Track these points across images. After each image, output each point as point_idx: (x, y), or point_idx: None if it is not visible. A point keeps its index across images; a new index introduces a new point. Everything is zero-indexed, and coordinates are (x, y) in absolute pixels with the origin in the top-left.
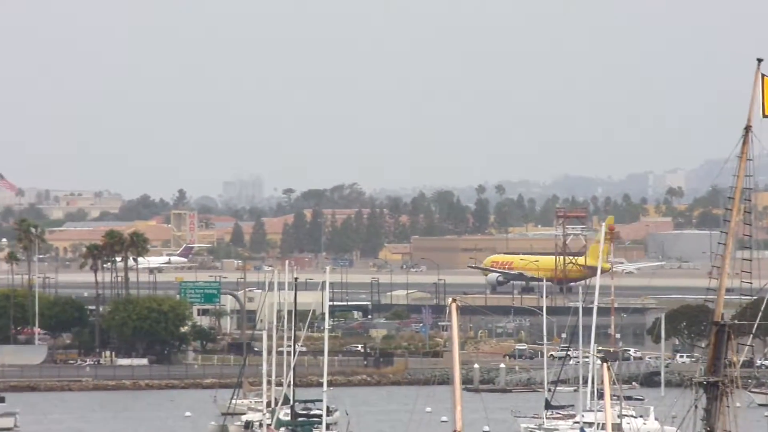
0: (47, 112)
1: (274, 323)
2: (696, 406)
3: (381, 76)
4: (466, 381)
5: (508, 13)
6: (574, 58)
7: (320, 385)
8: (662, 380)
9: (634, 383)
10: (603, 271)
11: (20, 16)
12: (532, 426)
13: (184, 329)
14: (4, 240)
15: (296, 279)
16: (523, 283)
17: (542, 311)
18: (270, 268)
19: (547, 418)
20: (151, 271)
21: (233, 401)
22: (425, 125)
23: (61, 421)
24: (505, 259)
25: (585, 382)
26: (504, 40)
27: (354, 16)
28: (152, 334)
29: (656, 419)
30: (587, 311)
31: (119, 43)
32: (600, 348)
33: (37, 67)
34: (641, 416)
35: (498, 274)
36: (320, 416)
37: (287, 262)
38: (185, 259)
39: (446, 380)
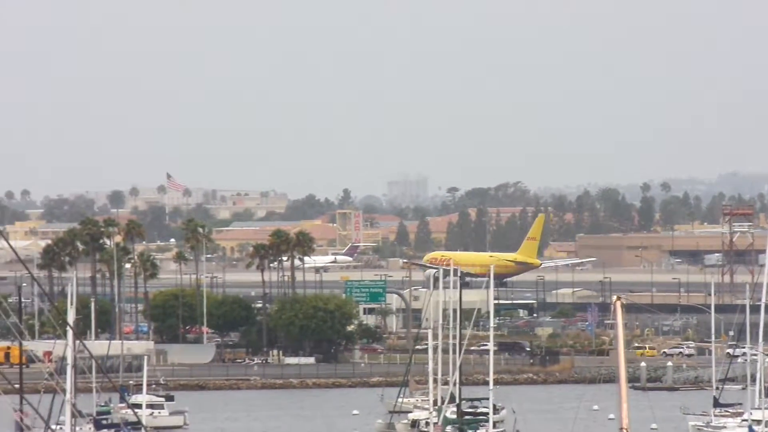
0: (213, 114)
1: (440, 322)
2: None
3: (547, 75)
4: (633, 379)
5: None
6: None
7: (486, 383)
8: None
9: None
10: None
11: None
12: (700, 424)
13: (350, 328)
14: (172, 240)
15: (461, 278)
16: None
17: (710, 309)
18: (435, 267)
19: (715, 416)
20: (317, 270)
21: (400, 399)
22: (591, 124)
23: (231, 420)
24: (443, 256)
25: (753, 380)
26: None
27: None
28: (319, 333)
29: None
30: (755, 308)
31: (285, 43)
32: None
33: (212, 71)
34: None
35: (435, 270)
36: (487, 414)
37: (452, 260)
38: (351, 258)
39: (612, 378)
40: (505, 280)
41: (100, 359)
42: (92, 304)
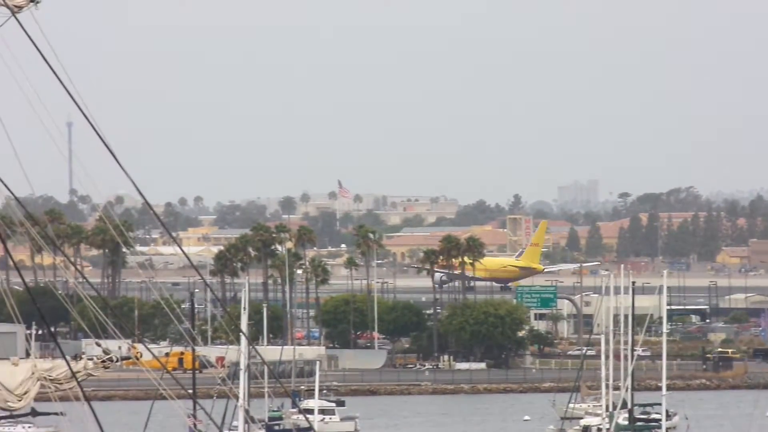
0: (385, 121)
1: (611, 327)
2: None
3: (711, 79)
4: None
5: None
6: None
7: (658, 389)
8: None
9: None
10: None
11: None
12: None
13: (521, 333)
14: (343, 246)
15: (633, 283)
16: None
17: None
18: (606, 273)
19: None
20: None
21: (571, 405)
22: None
23: (402, 425)
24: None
25: None
26: None
27: None
28: (490, 339)
29: None
30: None
31: (470, 54)
32: None
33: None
34: None
35: (442, 274)
36: (659, 420)
37: (623, 266)
38: None
39: None
40: (508, 284)
41: (272, 364)
42: (264, 310)
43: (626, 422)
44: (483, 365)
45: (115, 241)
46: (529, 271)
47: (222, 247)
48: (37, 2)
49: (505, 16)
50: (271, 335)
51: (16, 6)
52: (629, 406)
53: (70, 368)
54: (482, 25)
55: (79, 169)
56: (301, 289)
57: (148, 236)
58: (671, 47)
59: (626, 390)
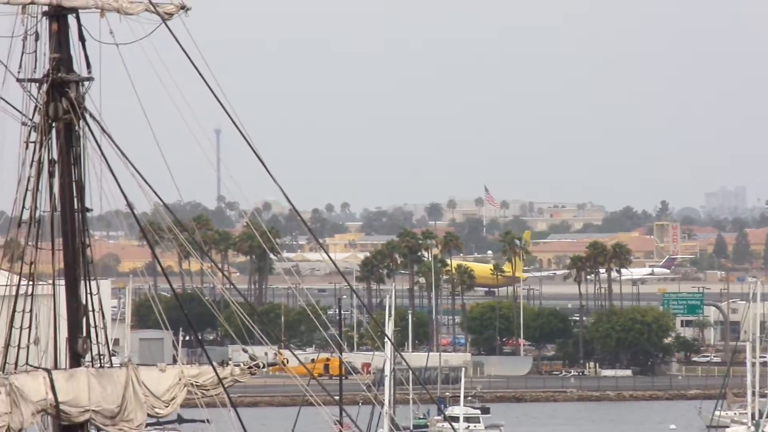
0: (524, 126)
1: (758, 334)
2: None
3: None
4: None
5: None
6: None
7: None
8: None
9: None
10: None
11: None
12: None
13: (667, 340)
14: (489, 252)
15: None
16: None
17: None
18: (754, 279)
19: None
20: (634, 282)
21: (717, 413)
22: None
23: None
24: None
25: None
26: None
27: None
28: (635, 345)
29: None
30: None
31: (592, 53)
32: None
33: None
34: None
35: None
36: None
37: None
38: (668, 271)
39: None
40: (491, 289)
41: (417, 371)
42: (410, 316)
43: None
44: (629, 372)
45: (262, 248)
46: (512, 279)
47: (368, 254)
48: (188, 9)
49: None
50: (416, 341)
51: (166, 13)
52: None
53: (217, 374)
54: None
55: (227, 176)
56: (447, 295)
57: (295, 242)
58: None
59: None
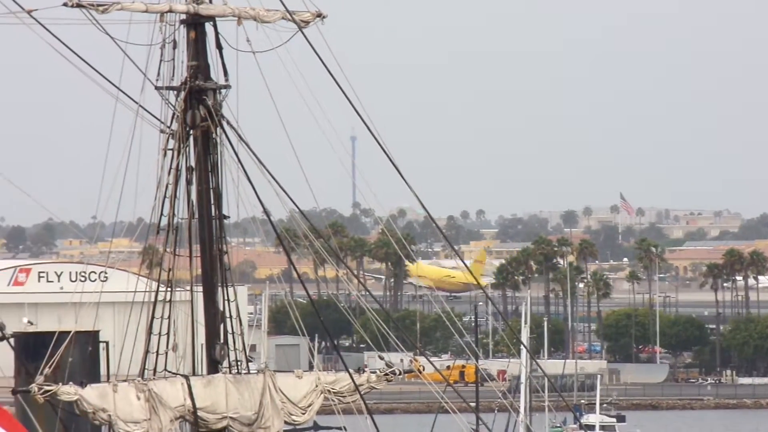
0: (669, 134)
1: None
2: None
3: None
4: None
5: None
6: None
7: None
8: None
9: None
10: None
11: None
12: None
13: None
14: (625, 259)
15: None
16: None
17: None
18: None
19: None
20: None
21: None
22: None
23: None
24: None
25: None
26: None
27: None
28: None
29: None
30: None
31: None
32: None
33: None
34: None
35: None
36: None
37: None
38: None
39: None
40: (453, 295)
41: (553, 378)
42: (545, 323)
43: None
44: (766, 380)
45: (398, 255)
46: (469, 286)
47: (504, 261)
48: (324, 17)
49: None
50: (552, 349)
51: (303, 21)
52: None
53: (354, 381)
54: None
55: (362, 183)
56: (583, 302)
57: (430, 249)
58: None
59: None
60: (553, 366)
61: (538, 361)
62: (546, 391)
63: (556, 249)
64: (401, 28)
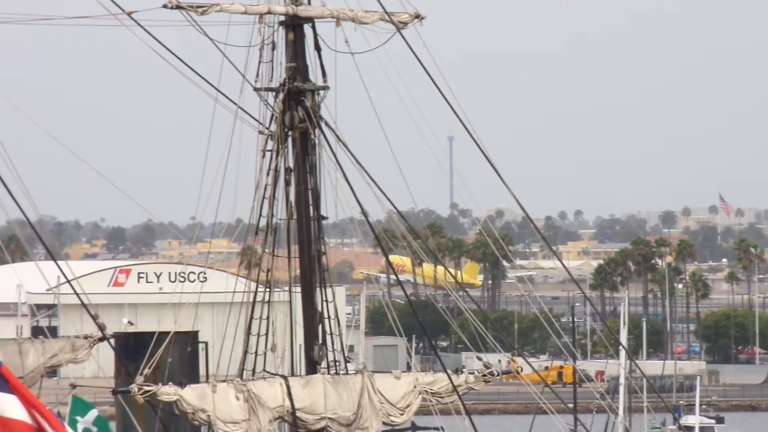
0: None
1: None
2: None
3: None
4: None
5: None
6: None
7: None
8: None
9: None
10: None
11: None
12: None
13: None
14: (724, 260)
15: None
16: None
17: None
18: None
19: None
20: None
21: None
22: None
23: None
24: (399, 262)
25: None
26: None
27: None
28: None
29: None
30: None
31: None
32: None
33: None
34: None
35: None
36: None
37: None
38: None
39: None
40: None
41: (652, 379)
42: (644, 324)
43: None
44: None
45: (495, 255)
46: (466, 285)
47: (602, 261)
48: (422, 18)
49: None
50: (650, 349)
51: (401, 22)
52: None
53: (452, 382)
54: None
55: (459, 183)
56: (681, 303)
57: (527, 250)
58: None
59: None
60: (651, 367)
61: (636, 361)
62: (644, 392)
63: (654, 250)
64: (502, 18)
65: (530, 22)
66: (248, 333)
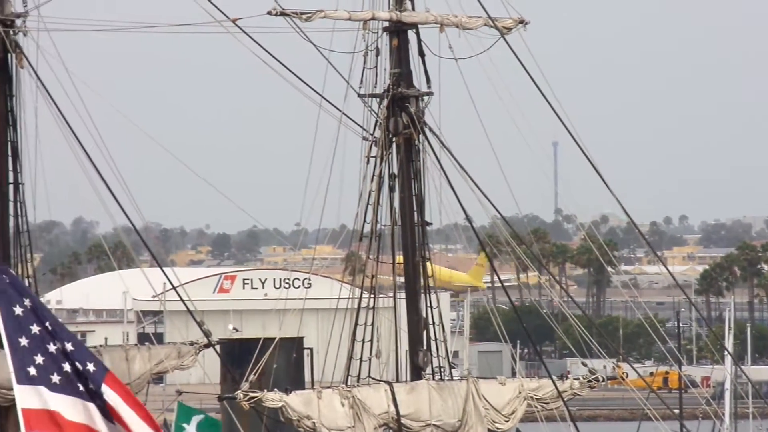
0: None
1: None
2: None
3: None
4: None
5: None
6: None
7: None
8: None
9: None
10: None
11: None
12: None
13: None
14: None
15: None
16: None
17: None
18: None
19: None
20: None
21: None
22: None
23: None
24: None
25: None
26: None
27: None
28: None
29: None
30: None
31: None
32: None
33: None
34: None
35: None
36: None
37: None
38: None
39: None
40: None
41: (758, 384)
42: (748, 329)
43: None
44: None
45: (600, 261)
46: (472, 287)
47: (707, 266)
48: (526, 23)
49: None
50: (756, 355)
51: (505, 28)
52: None
53: (557, 388)
54: None
55: (564, 189)
56: None
57: (632, 255)
58: None
59: None
60: (757, 372)
61: (742, 367)
62: (750, 398)
63: (760, 254)
64: (599, 26)
65: (633, 27)
66: (353, 339)
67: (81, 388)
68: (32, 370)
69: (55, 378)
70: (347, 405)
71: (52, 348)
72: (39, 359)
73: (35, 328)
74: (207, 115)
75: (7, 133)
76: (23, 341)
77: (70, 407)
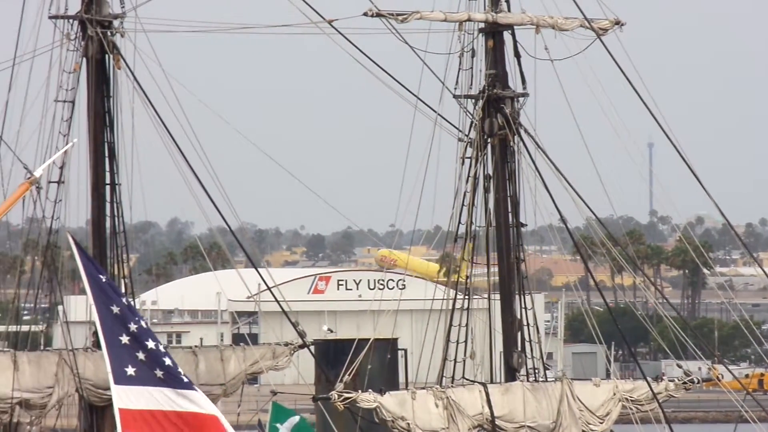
0: None
1: None
2: None
3: None
4: None
5: None
6: None
7: None
8: None
9: None
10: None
11: None
12: None
13: None
14: None
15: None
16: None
17: None
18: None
19: None
20: None
21: None
22: None
23: None
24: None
25: None
26: None
27: None
28: None
29: None
30: None
31: None
32: None
33: None
34: None
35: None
36: None
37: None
38: None
39: None
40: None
41: None
42: None
43: None
44: None
45: (695, 262)
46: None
47: None
48: (622, 24)
49: None
50: None
51: (601, 29)
52: None
53: (652, 390)
54: None
55: (659, 190)
56: None
57: (728, 257)
58: None
59: None
60: None
61: None
62: None
63: None
64: (696, 25)
65: (724, 24)
66: (447, 340)
67: (185, 379)
68: (130, 370)
69: (159, 373)
70: (441, 406)
71: (151, 344)
72: (141, 355)
73: (133, 326)
74: (298, 115)
75: (104, 133)
76: (124, 339)
77: (180, 398)
